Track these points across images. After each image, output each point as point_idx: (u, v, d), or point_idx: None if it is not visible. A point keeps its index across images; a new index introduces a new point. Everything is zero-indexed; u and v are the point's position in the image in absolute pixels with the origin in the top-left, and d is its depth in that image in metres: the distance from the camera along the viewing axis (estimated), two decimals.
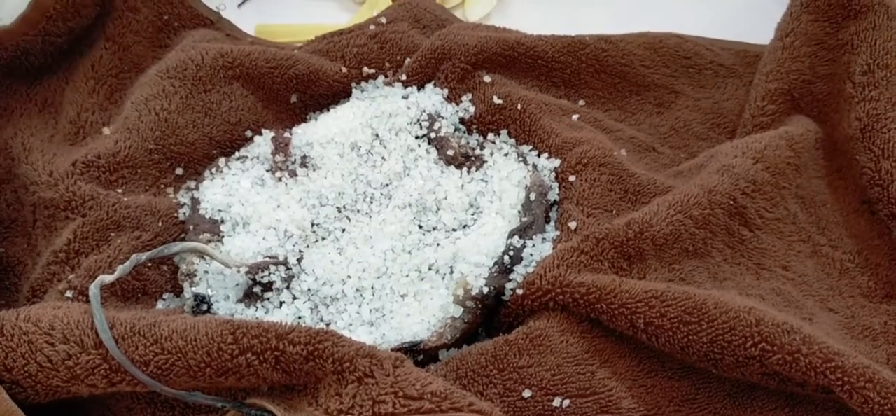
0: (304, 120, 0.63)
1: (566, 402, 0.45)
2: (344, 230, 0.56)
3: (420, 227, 0.56)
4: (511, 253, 0.52)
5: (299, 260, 0.53)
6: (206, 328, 0.42)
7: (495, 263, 0.52)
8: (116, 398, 0.45)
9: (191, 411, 0.45)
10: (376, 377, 0.39)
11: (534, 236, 0.54)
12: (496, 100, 0.61)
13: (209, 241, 0.53)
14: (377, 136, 0.60)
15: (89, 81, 0.60)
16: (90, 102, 0.60)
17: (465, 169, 0.59)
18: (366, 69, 0.64)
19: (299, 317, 0.50)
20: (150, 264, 0.52)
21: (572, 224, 0.54)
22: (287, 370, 0.41)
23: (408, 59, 0.64)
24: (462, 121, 0.62)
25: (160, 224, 0.54)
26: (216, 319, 0.43)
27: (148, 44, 0.64)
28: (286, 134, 0.59)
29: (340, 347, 0.41)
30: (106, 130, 0.58)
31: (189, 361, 0.41)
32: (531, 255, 0.53)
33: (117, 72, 0.62)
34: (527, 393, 0.46)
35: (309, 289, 0.51)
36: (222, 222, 0.54)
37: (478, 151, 0.60)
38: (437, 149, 0.60)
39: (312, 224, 0.55)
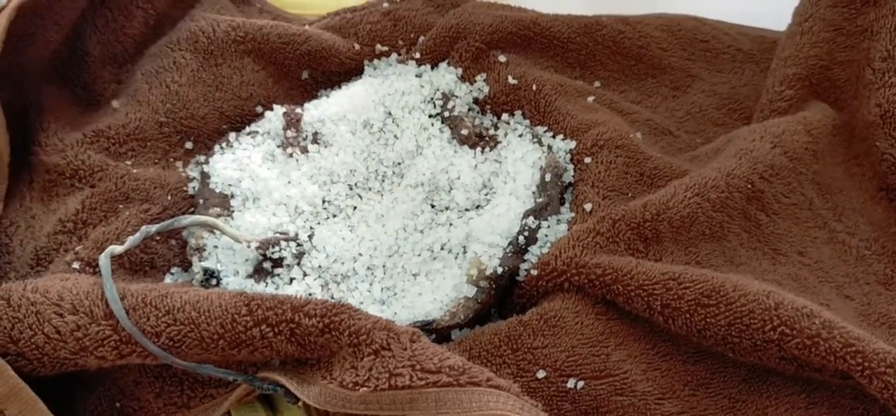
0: (316, 97, 0.62)
1: (580, 383, 0.45)
2: (355, 208, 0.55)
3: (432, 206, 0.55)
4: (526, 234, 0.51)
5: (310, 237, 0.52)
6: (220, 300, 0.41)
7: (510, 243, 0.51)
8: (123, 372, 0.45)
9: (199, 385, 0.45)
10: (393, 349, 0.39)
11: (549, 217, 0.53)
12: (511, 80, 0.60)
13: (219, 215, 0.52)
14: (390, 114, 0.59)
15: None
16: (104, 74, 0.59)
17: (478, 149, 0.58)
18: (379, 47, 0.63)
19: (310, 294, 0.50)
20: (158, 238, 0.51)
21: (588, 206, 0.53)
22: (302, 343, 0.41)
23: (422, 38, 0.63)
24: (476, 101, 0.61)
25: (169, 198, 0.54)
26: (230, 291, 0.42)
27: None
28: (298, 110, 0.58)
29: (357, 320, 0.40)
30: (115, 103, 0.57)
31: (202, 332, 0.41)
32: (546, 236, 0.52)
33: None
34: (541, 374, 0.45)
35: (319, 266, 0.51)
36: (232, 196, 0.53)
37: (492, 132, 0.59)
38: (451, 128, 0.59)
39: (323, 201, 0.55)
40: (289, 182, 0.55)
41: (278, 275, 0.50)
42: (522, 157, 0.56)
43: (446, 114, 0.59)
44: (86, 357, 0.42)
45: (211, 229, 0.50)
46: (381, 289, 0.51)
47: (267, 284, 0.50)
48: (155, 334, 0.41)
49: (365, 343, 0.39)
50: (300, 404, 0.42)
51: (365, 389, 0.38)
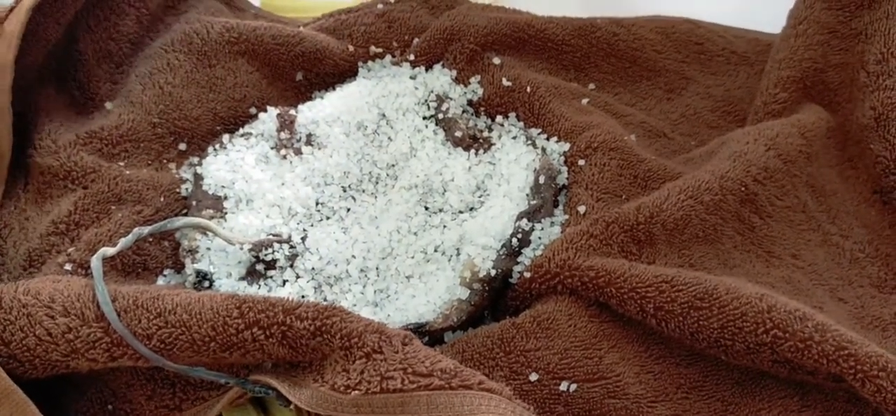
0: (310, 98, 0.62)
1: (573, 386, 0.45)
2: (349, 210, 0.55)
3: (426, 208, 0.55)
4: (519, 236, 0.51)
5: (303, 239, 0.52)
6: (212, 302, 0.41)
7: (503, 245, 0.51)
8: (115, 375, 0.45)
9: (191, 387, 0.44)
10: (385, 353, 0.39)
11: (542, 220, 0.53)
12: (505, 82, 0.60)
13: (212, 217, 0.52)
14: (384, 116, 0.59)
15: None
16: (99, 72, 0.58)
17: (472, 151, 0.58)
18: (373, 48, 0.63)
19: (303, 296, 0.50)
20: (151, 240, 0.51)
21: (581, 208, 0.53)
22: (293, 346, 0.40)
23: (416, 39, 0.63)
24: (470, 103, 0.61)
25: (162, 199, 0.53)
26: (222, 293, 0.42)
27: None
28: (292, 111, 0.58)
29: (349, 323, 0.40)
30: (109, 105, 0.57)
31: (193, 335, 0.40)
32: (540, 238, 0.52)
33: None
34: (533, 377, 0.45)
35: (313, 268, 0.51)
36: (226, 198, 0.53)
37: (486, 134, 0.59)
38: (445, 130, 0.59)
39: (317, 203, 0.55)
40: (282, 184, 0.54)
41: (271, 277, 0.50)
42: (516, 159, 0.56)
43: (440, 116, 0.59)
44: (77, 359, 0.42)
45: (204, 230, 0.50)
46: (374, 291, 0.51)
47: (260, 286, 0.50)
48: (146, 337, 0.41)
49: (357, 346, 0.39)
50: (292, 407, 0.42)
51: (356, 392, 0.38)
